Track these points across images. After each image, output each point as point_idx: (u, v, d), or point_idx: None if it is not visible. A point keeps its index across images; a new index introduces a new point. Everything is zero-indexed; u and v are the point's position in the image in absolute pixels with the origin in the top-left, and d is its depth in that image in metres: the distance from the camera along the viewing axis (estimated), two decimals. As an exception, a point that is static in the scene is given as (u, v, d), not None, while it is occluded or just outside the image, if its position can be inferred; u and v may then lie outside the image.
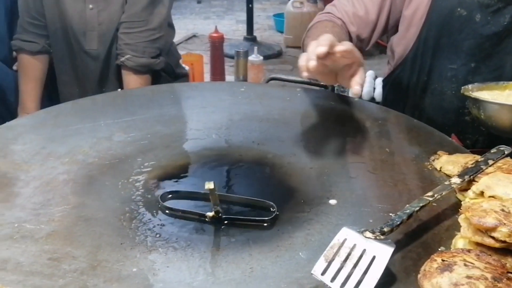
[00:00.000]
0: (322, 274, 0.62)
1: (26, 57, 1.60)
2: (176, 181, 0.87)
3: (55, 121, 1.06)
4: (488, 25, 1.04)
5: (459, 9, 1.06)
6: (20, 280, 0.62)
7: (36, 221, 0.74)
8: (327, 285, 0.61)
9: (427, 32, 1.14)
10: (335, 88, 1.40)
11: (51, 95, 1.69)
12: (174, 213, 0.77)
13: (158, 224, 0.74)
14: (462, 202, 0.75)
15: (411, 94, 1.25)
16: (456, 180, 0.77)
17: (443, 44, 1.13)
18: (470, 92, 1.01)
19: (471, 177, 0.78)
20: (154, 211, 0.77)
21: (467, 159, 0.85)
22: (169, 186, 0.85)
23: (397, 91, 1.30)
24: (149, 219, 0.75)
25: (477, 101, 0.97)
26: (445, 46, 1.13)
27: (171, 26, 1.69)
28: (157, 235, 0.72)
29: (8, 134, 0.99)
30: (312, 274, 0.63)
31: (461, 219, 0.67)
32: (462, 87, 1.03)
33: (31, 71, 1.61)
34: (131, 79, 1.51)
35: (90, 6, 1.53)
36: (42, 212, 0.76)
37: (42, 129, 1.02)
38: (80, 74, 1.63)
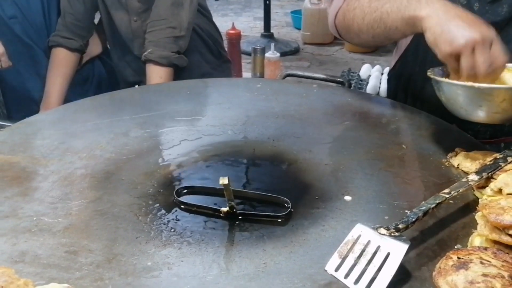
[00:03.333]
0: (336, 270, 0.62)
1: (62, 52, 1.66)
2: (192, 177, 0.88)
3: (74, 117, 1.08)
4: (486, 14, 1.01)
5: None
6: (38, 272, 0.63)
7: (54, 214, 0.75)
8: (340, 281, 0.61)
9: None
10: (352, 85, 1.39)
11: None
12: (189, 208, 0.77)
13: (173, 219, 0.75)
14: (479, 200, 0.74)
15: (412, 85, 1.23)
16: (473, 177, 0.76)
17: None
18: (433, 73, 0.91)
19: (489, 174, 0.76)
20: (169, 206, 0.78)
21: (485, 156, 0.84)
22: (184, 181, 0.85)
23: (399, 83, 1.28)
24: (164, 213, 0.76)
25: (434, 80, 0.89)
26: None
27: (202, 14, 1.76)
28: (172, 230, 0.72)
29: (27, 129, 1.01)
30: (325, 270, 0.63)
31: (478, 216, 0.66)
32: (429, 69, 0.94)
33: (63, 67, 1.67)
34: (152, 70, 1.54)
35: (134, 18, 1.61)
36: (60, 206, 0.77)
37: (61, 125, 1.04)
38: (132, 71, 1.72)
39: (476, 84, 0.80)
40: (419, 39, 1.15)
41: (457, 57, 0.82)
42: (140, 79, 1.71)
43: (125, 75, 1.77)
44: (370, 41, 1.08)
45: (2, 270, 0.52)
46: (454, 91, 0.83)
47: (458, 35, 0.81)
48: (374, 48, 4.37)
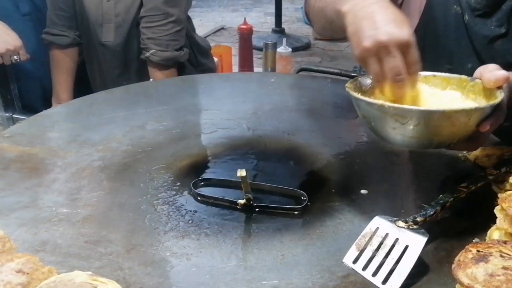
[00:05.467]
0: (354, 262, 0.62)
1: (57, 52, 1.63)
2: (208, 169, 0.88)
3: (90, 109, 1.09)
4: (476, 27, 0.98)
5: (455, 6, 0.99)
6: (59, 261, 0.64)
7: (73, 205, 0.76)
8: (358, 273, 0.61)
9: (425, 28, 1.06)
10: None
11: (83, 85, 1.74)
12: (206, 200, 0.78)
13: (190, 211, 0.75)
14: (498, 194, 0.73)
15: None
16: (491, 172, 0.76)
17: (441, 42, 1.06)
18: (351, 86, 0.75)
19: (508, 168, 0.76)
20: (186, 198, 0.78)
21: (503, 151, 0.83)
22: (201, 173, 0.86)
23: None
24: (182, 205, 0.76)
25: (353, 98, 0.73)
26: (443, 44, 1.05)
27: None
28: (190, 221, 0.73)
29: (45, 122, 1.02)
30: (343, 262, 0.63)
31: (497, 210, 0.66)
32: (351, 80, 0.78)
33: (62, 64, 1.65)
34: (157, 75, 1.51)
35: None
36: (78, 197, 0.78)
37: (78, 117, 1.05)
38: (98, 65, 1.64)
39: (387, 103, 0.67)
40: (417, 38, 1.11)
41: (365, 62, 0.71)
42: (105, 83, 1.60)
43: (91, 69, 1.67)
44: (321, 31, 1.01)
45: (27, 258, 0.53)
46: (368, 109, 0.70)
47: (365, 37, 0.69)
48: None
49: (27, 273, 0.51)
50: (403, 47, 0.68)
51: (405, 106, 0.67)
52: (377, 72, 0.69)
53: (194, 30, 1.72)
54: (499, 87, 0.71)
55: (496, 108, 0.68)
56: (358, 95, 0.72)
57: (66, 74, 1.65)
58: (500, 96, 0.69)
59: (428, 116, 0.66)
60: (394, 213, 0.73)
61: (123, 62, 1.60)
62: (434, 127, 0.67)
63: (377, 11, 0.71)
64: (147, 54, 1.49)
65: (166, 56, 1.49)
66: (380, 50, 0.68)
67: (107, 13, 1.53)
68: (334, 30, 0.91)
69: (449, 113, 0.66)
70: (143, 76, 1.57)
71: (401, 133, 0.68)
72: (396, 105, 0.67)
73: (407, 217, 0.65)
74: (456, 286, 0.57)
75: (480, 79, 0.73)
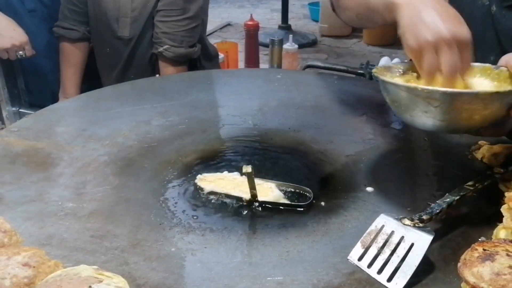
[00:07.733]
0: (359, 260, 0.62)
1: (66, 45, 1.64)
2: (213, 165, 0.88)
3: (96, 104, 1.09)
4: (503, 18, 0.96)
5: None
6: (65, 255, 0.64)
7: (79, 200, 0.76)
8: (364, 270, 0.61)
9: None
10: (373, 76, 1.37)
11: (90, 80, 1.74)
12: (211, 196, 0.78)
13: (195, 207, 0.75)
14: (505, 193, 0.73)
15: None
16: (498, 170, 0.75)
17: None
18: (379, 71, 0.78)
19: (515, 167, 0.76)
20: (192, 193, 0.78)
21: (510, 150, 0.83)
22: (206, 169, 0.86)
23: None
24: (187, 201, 0.77)
25: (379, 79, 0.75)
26: None
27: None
28: (195, 217, 0.73)
29: (51, 116, 1.03)
30: (348, 259, 0.63)
31: (504, 209, 0.66)
32: (377, 66, 0.81)
33: (71, 58, 1.65)
34: (168, 70, 1.51)
35: None
36: (84, 191, 0.79)
37: (84, 112, 1.05)
38: (109, 59, 1.64)
39: (420, 86, 0.68)
40: None
41: (421, 53, 0.72)
42: (114, 77, 1.60)
43: (102, 63, 1.66)
44: (354, 19, 1.01)
45: (34, 251, 0.53)
46: (398, 93, 0.71)
47: (425, 29, 0.70)
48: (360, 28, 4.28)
49: (34, 267, 0.51)
50: (462, 46, 0.70)
51: (438, 88, 0.68)
52: (433, 65, 0.70)
53: (205, 32, 1.72)
54: None
55: None
56: (389, 78, 0.74)
57: (75, 68, 1.66)
58: None
59: (461, 98, 0.66)
60: (400, 211, 0.73)
61: (132, 54, 1.59)
62: (466, 110, 0.67)
63: (438, 7, 0.72)
64: (161, 49, 1.49)
65: (180, 52, 1.49)
66: (441, 45, 0.69)
67: (124, 7, 1.53)
68: (372, 20, 0.92)
69: (483, 95, 0.66)
70: (153, 68, 1.57)
71: (432, 117, 0.68)
72: (429, 87, 0.68)
73: (413, 215, 0.65)
74: (462, 285, 0.57)
75: (506, 67, 0.74)
